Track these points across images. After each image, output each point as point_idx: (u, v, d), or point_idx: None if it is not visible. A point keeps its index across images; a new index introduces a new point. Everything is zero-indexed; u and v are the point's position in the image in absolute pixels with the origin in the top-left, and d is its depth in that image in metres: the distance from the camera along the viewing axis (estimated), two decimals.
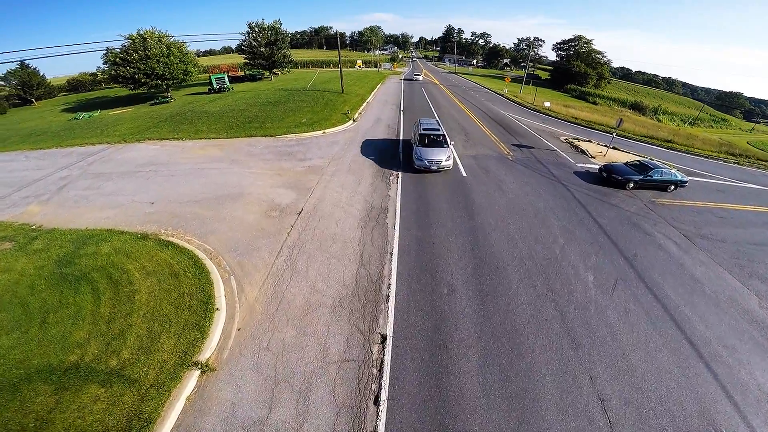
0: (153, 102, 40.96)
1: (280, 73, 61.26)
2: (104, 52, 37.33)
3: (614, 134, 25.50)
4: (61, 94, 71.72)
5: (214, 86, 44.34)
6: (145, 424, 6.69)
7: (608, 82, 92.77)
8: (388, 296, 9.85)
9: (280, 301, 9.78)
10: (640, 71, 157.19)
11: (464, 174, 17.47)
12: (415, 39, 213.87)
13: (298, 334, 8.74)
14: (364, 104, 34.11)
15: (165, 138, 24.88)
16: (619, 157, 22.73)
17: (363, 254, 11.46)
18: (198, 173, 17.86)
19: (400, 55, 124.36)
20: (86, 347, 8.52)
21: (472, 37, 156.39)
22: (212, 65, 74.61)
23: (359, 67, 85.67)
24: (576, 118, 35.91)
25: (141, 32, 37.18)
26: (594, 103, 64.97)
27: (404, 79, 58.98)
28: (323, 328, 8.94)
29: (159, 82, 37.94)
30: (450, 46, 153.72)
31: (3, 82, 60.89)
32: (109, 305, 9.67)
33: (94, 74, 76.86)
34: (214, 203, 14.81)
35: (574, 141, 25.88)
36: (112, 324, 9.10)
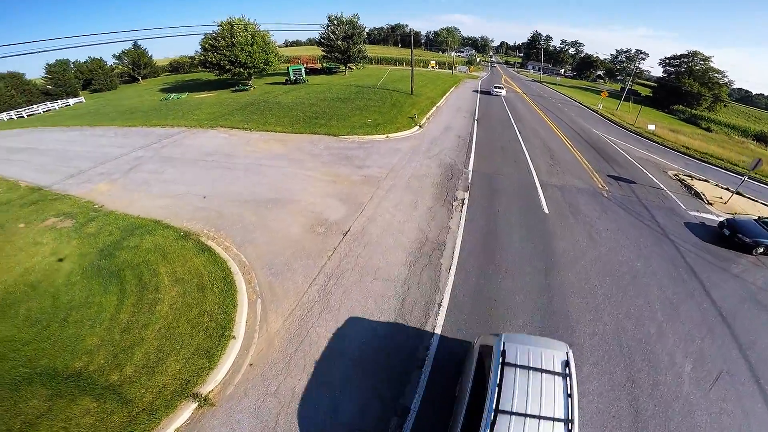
0: (234, 89, 43.05)
1: (354, 67, 61.34)
2: (202, 36, 39.86)
3: (746, 177, 20.08)
4: (164, 74, 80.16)
5: (291, 77, 45.34)
6: None
7: (725, 105, 78.36)
8: (423, 362, 7.80)
9: (301, 341, 8.36)
10: (761, 94, 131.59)
11: (546, 210, 14.47)
12: (496, 43, 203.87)
13: (312, 386, 7.33)
14: (434, 108, 31.83)
15: (235, 127, 25.29)
16: (746, 207, 17.64)
17: (405, 300, 9.51)
18: (255, 170, 17.35)
19: (478, 59, 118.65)
20: (94, 356, 8.02)
21: (562, 45, 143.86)
22: (294, 56, 77.64)
23: (432, 67, 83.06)
24: (687, 148, 29.73)
25: (230, 20, 38.95)
26: (707, 129, 54.63)
27: (480, 92, 48.08)
28: (341, 383, 7.37)
29: (241, 69, 39.57)
30: (535, 53, 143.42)
31: (118, 61, 69.36)
32: (129, 312, 9.02)
33: (192, 57, 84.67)
34: (262, 207, 13.93)
35: (686, 179, 20.95)
36: (125, 334, 8.46)
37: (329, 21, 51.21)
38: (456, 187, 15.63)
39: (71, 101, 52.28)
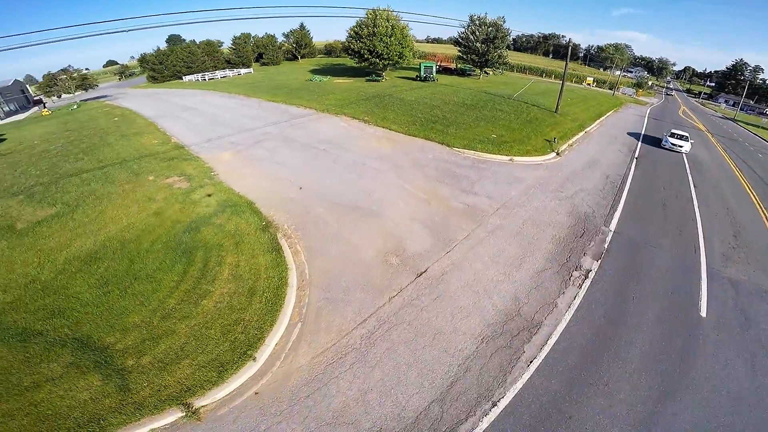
0: (368, 78, 44.28)
1: (491, 72, 56.90)
2: (355, 23, 41.77)
3: None
4: (319, 55, 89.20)
5: (421, 74, 44.30)
6: (98, 423, 6.29)
7: None
8: None
9: (317, 389, 6.95)
10: None
11: (704, 313, 9.48)
12: (678, 67, 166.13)
13: None
14: (581, 134, 26.21)
15: (356, 117, 25.23)
16: None
17: (454, 384, 7.07)
18: (357, 169, 16.48)
19: (650, 82, 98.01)
20: (126, 335, 7.99)
21: None
22: (429, 53, 76.86)
23: (588, 85, 71.75)
24: None
25: (376, 9, 39.61)
26: None
27: (648, 117, 40.28)
28: None
29: (377, 60, 40.20)
30: (733, 85, 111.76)
31: (284, 39, 79.53)
32: (179, 298, 8.86)
33: (342, 43, 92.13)
34: (347, 214, 12.78)
35: None
36: (163, 321, 8.27)
37: (471, 21, 47.99)
38: (585, 250, 11.62)
39: (243, 71, 61.98)
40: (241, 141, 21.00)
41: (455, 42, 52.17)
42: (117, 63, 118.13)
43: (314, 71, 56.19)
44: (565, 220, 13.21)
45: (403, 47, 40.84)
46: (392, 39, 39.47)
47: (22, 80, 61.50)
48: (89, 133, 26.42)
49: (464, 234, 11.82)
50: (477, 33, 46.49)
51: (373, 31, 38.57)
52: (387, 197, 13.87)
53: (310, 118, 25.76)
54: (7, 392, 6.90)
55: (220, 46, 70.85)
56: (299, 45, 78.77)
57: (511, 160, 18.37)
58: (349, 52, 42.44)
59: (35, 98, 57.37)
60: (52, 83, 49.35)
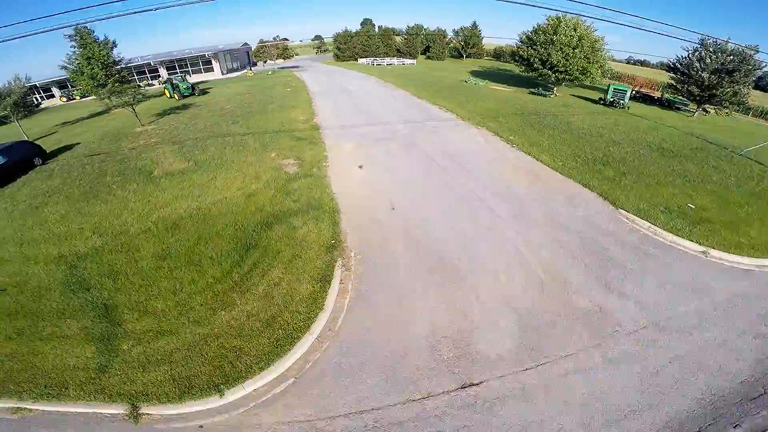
0: (533, 90, 38.27)
1: (712, 111, 41.98)
2: (533, 28, 36.57)
3: None
4: (486, 57, 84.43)
5: (607, 97, 35.49)
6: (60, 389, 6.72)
7: None
8: None
9: None
10: None
11: None
12: None
13: None
14: None
15: (499, 134, 21.18)
16: None
17: None
18: (469, 203, 13.00)
19: None
20: (141, 319, 8.03)
21: None
22: (627, 74, 62.52)
23: None
24: None
25: (561, 16, 33.06)
26: None
27: None
28: None
29: (549, 72, 33.97)
30: None
31: (454, 35, 77.53)
32: (204, 299, 8.47)
33: (512, 47, 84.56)
34: (426, 262, 9.83)
35: None
36: (177, 318, 8.15)
37: (702, 45, 35.09)
38: (741, 420, 5.83)
39: (407, 61, 63.17)
40: (368, 134, 20.02)
41: (670, 67, 40.19)
42: (321, 38, 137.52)
43: (473, 72, 52.58)
44: (743, 369, 7.12)
45: (589, 62, 33.32)
46: (576, 51, 32.54)
47: (249, 44, 77.98)
48: (260, 99, 30.26)
49: (568, 351, 7.41)
50: (707, 61, 34.13)
51: (552, 39, 32.50)
52: (488, 258, 10.20)
53: (446, 124, 23.02)
54: (25, 335, 7.81)
55: (397, 34, 73.98)
56: (467, 43, 75.69)
57: (704, 252, 11.55)
58: (517, 58, 37.29)
59: (252, 61, 71.82)
60: (261, 50, 60.49)
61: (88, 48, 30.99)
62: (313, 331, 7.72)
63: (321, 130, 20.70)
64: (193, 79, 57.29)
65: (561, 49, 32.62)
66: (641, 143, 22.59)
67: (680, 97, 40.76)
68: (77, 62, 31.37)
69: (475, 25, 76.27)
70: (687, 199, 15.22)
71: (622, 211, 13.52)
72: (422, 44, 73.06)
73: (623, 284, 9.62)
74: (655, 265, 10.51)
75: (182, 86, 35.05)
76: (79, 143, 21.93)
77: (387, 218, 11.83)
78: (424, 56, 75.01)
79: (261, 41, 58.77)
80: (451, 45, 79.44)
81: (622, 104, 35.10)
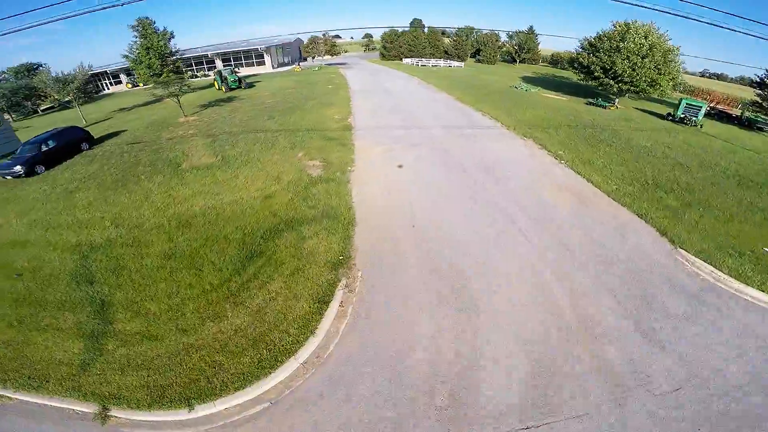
0: (590, 101, 34.98)
1: None
2: (596, 34, 33.51)
3: None
4: (542, 64, 79.80)
5: (677, 113, 31.46)
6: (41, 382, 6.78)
7: None
8: None
9: None
10: None
11: None
12: None
13: None
14: None
15: (546, 147, 19.20)
16: None
17: None
18: (498, 224, 11.41)
19: None
20: (132, 321, 7.92)
21: None
22: (701, 88, 55.75)
23: None
24: None
25: (631, 23, 29.73)
26: None
27: None
28: None
29: (611, 81, 30.73)
30: None
31: (508, 39, 73.87)
32: (197, 306, 8.19)
33: (571, 54, 78.98)
34: (432, 291, 8.59)
35: None
36: (165, 324, 7.76)
37: None
38: None
39: (454, 63, 61.17)
40: (401, 138, 18.97)
41: (756, 82, 35.11)
42: (371, 36, 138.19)
43: (525, 78, 49.51)
44: None
45: (660, 73, 29.69)
46: (646, 60, 29.12)
47: (301, 39, 79.93)
48: (301, 95, 30.30)
49: (579, 411, 5.92)
50: None
51: (618, 46, 29.31)
52: (508, 290, 8.69)
53: (488, 132, 21.34)
54: (25, 324, 7.95)
55: (446, 36, 72.02)
56: (521, 48, 71.76)
57: None
58: (576, 65, 34.26)
59: (302, 57, 73.43)
60: (311, 45, 61.48)
61: (148, 38, 32.80)
62: (299, 356, 7.06)
63: (353, 131, 19.99)
64: (245, 71, 59.58)
65: (628, 57, 29.42)
66: (714, 168, 19.50)
67: (765, 117, 35.39)
68: (137, 52, 33.32)
69: (531, 30, 72.23)
70: (764, 241, 12.55)
71: (681, 250, 11.35)
72: (472, 47, 70.46)
73: (666, 335, 7.78)
74: (712, 316, 8.50)
75: (230, 79, 36.15)
76: (126, 130, 23.05)
77: (405, 236, 10.73)
78: (473, 59, 72.35)
79: (311, 37, 59.59)
80: (504, 49, 75.89)
81: (695, 121, 30.99)
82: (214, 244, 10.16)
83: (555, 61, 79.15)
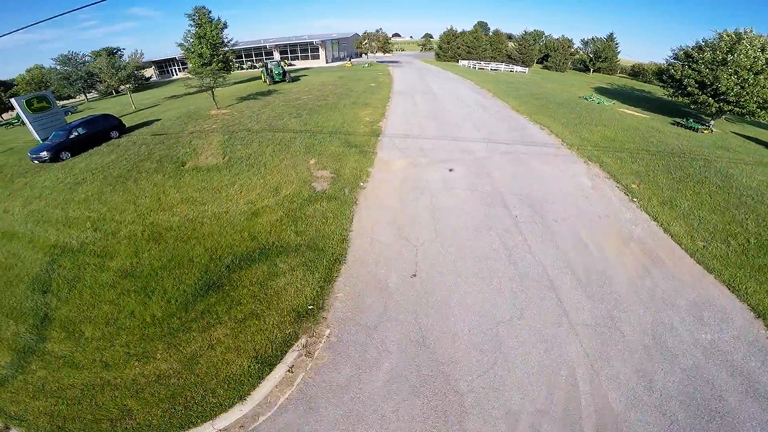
0: (677, 121, 29.08)
1: None
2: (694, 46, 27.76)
3: None
4: (620, 74, 71.14)
5: None
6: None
7: None
8: None
9: None
10: None
11: None
12: None
13: None
14: None
15: (615, 177, 15.26)
16: None
17: None
18: (535, 299, 8.29)
19: None
20: (66, 342, 7.24)
21: None
22: None
23: None
24: None
25: (742, 32, 23.74)
26: None
27: None
28: None
29: (710, 100, 24.99)
30: None
31: (582, 46, 66.57)
32: (126, 341, 6.92)
33: (659, 65, 68.96)
34: (404, 392, 5.88)
35: None
36: (100, 352, 6.86)
37: None
38: None
39: (517, 69, 56.17)
40: (432, 150, 16.25)
41: None
42: (431, 36, 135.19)
43: (598, 89, 43.54)
44: None
45: None
46: (760, 78, 23.13)
47: (359, 35, 79.32)
48: (340, 92, 28.65)
49: None
50: None
51: (724, 59, 23.57)
52: (519, 387, 5.81)
53: (543, 151, 17.71)
54: None
55: (511, 40, 66.89)
56: (596, 56, 64.18)
57: None
58: (665, 78, 28.66)
59: (356, 52, 72.69)
60: (363, 41, 60.11)
61: (202, 27, 33.11)
62: (217, 422, 5.58)
63: (380, 137, 17.68)
64: (299, 64, 59.99)
65: (736, 72, 23.68)
66: None
67: None
68: (191, 41, 33.83)
69: (611, 37, 64.43)
70: None
71: None
72: (540, 52, 64.48)
73: None
74: None
75: (275, 71, 35.68)
76: (160, 119, 22.99)
77: (400, 289, 8.18)
78: (539, 65, 66.30)
79: (365, 32, 58.17)
80: (577, 56, 68.70)
81: None
82: (176, 266, 8.76)
83: (636, 72, 70.16)
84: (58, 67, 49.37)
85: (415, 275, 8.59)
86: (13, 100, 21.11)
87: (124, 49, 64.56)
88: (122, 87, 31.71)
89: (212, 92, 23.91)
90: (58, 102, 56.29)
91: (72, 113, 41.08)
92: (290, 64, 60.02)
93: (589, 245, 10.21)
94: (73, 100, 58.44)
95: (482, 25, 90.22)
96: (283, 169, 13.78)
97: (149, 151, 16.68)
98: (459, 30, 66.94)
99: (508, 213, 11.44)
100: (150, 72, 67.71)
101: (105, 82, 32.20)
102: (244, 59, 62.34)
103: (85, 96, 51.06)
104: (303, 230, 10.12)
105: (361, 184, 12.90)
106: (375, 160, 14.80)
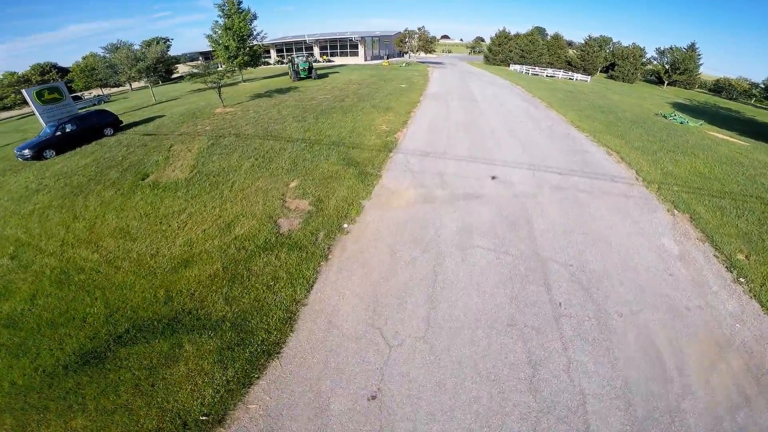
0: None
1: None
2: None
3: None
4: (698, 89, 61.53)
5: None
6: None
7: None
8: None
9: None
10: None
11: None
12: None
13: None
14: None
15: (714, 243, 10.06)
16: None
17: None
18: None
19: None
20: None
21: None
22: None
23: None
24: None
25: None
26: None
27: None
28: None
29: None
30: None
31: (656, 56, 58.20)
32: None
33: (754, 84, 58.12)
34: None
35: None
36: None
37: None
38: None
39: (578, 77, 49.79)
40: (455, 176, 12.26)
41: None
42: (482, 39, 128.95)
43: (676, 105, 36.47)
44: None
45: None
46: None
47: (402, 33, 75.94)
48: (362, 92, 25.41)
49: None
50: None
51: None
52: None
53: (610, 188, 12.90)
54: None
55: (571, 46, 60.05)
56: (674, 67, 55.49)
57: None
58: None
59: (396, 51, 69.28)
60: (403, 40, 56.41)
61: (230, 18, 31.25)
62: None
63: (392, 153, 14.00)
64: (338, 61, 57.69)
65: None
66: None
67: None
68: (219, 32, 32.11)
69: (692, 47, 55.50)
70: None
71: None
72: (605, 60, 57.01)
73: None
74: None
75: (300, 67, 33.19)
76: (164, 116, 21.19)
77: (345, 419, 4.66)
78: (604, 74, 58.79)
79: (405, 30, 54.38)
80: (648, 67, 60.26)
81: None
82: (65, 324, 6.67)
83: (719, 88, 60.27)
84: (107, 56, 50.83)
85: (374, 397, 5.00)
86: (24, 91, 20.18)
87: (172, 39, 66.06)
88: (143, 80, 30.72)
89: (219, 90, 21.71)
90: (107, 90, 58.66)
91: (105, 102, 41.51)
92: (329, 60, 57.93)
93: (664, 358, 5.94)
94: (123, 88, 60.62)
95: (539, 30, 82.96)
96: (252, 194, 10.59)
97: (124, 156, 14.64)
98: (513, 32, 61.12)
99: (547, 296, 7.26)
100: (198, 63, 69.01)
101: (125, 73, 31.44)
102: (285, 53, 61.26)
103: (130, 85, 52.25)
104: (237, 296, 6.87)
105: (345, 225, 9.32)
106: (375, 188, 11.13)
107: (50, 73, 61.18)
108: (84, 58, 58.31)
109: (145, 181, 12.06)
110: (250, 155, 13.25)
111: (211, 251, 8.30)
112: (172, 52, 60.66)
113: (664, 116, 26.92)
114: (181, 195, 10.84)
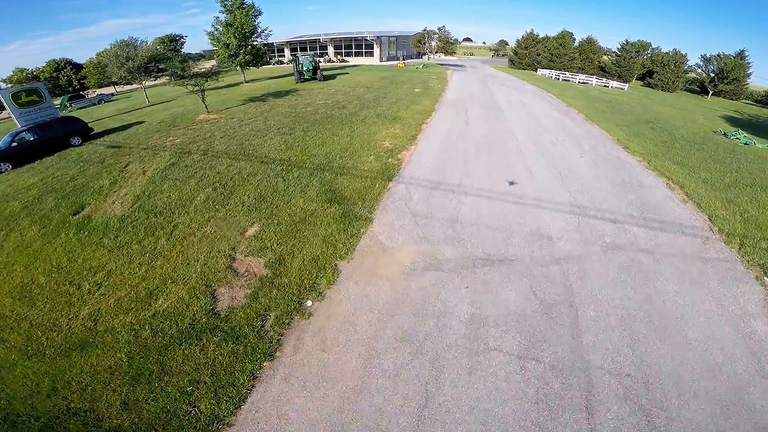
0: None
1: None
2: None
3: None
4: (744, 100, 55.69)
5: None
6: None
7: None
8: None
9: None
10: None
11: None
12: None
13: None
14: None
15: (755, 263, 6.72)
16: None
17: None
18: None
19: None
20: None
21: None
22: None
23: None
24: None
25: None
26: None
27: None
28: None
29: None
30: None
31: (700, 63, 52.87)
32: None
33: None
34: None
35: None
36: None
37: None
38: None
39: (613, 83, 45.58)
40: (470, 224, 9.11)
41: None
42: (506, 43, 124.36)
43: (727, 119, 31.96)
44: None
45: None
46: None
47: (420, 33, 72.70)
48: (369, 97, 22.56)
49: None
50: None
51: None
52: None
53: (679, 246, 9.11)
54: None
55: (604, 53, 55.48)
56: (719, 76, 50.15)
57: None
58: None
59: (415, 52, 66.17)
60: (421, 40, 53.22)
61: (232, 13, 28.92)
62: None
63: (392, 183, 10.96)
64: (353, 61, 55.04)
65: None
66: None
67: None
68: (219, 29, 29.83)
69: (741, 55, 50.03)
70: None
71: None
72: (642, 67, 52.15)
73: None
74: None
75: (304, 68, 30.57)
76: (143, 123, 18.94)
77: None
78: (640, 82, 53.91)
79: (424, 30, 51.11)
80: (690, 74, 54.99)
81: None
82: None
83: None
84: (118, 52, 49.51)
85: None
86: None
87: (186, 36, 64.84)
88: (134, 80, 28.67)
89: (202, 95, 19.27)
90: (115, 88, 57.66)
91: (106, 102, 40.00)
92: (343, 60, 55.37)
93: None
94: (135, 86, 59.72)
95: (566, 34, 77.98)
96: (194, 244, 7.81)
97: (73, 176, 12.37)
98: (541, 35, 56.88)
99: (587, 427, 4.09)
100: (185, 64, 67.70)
101: (115, 73, 29.49)
102: (299, 52, 59.15)
103: (141, 84, 50.98)
104: (140, 401, 4.77)
105: (308, 303, 6.38)
106: (361, 242, 8.11)
107: (65, 70, 60.87)
108: (98, 55, 57.59)
109: (77, 216, 9.52)
110: (210, 183, 10.53)
111: (119, 331, 5.70)
112: (191, 49, 59.23)
113: (725, 134, 22.73)
114: (107, 243, 8.18)
